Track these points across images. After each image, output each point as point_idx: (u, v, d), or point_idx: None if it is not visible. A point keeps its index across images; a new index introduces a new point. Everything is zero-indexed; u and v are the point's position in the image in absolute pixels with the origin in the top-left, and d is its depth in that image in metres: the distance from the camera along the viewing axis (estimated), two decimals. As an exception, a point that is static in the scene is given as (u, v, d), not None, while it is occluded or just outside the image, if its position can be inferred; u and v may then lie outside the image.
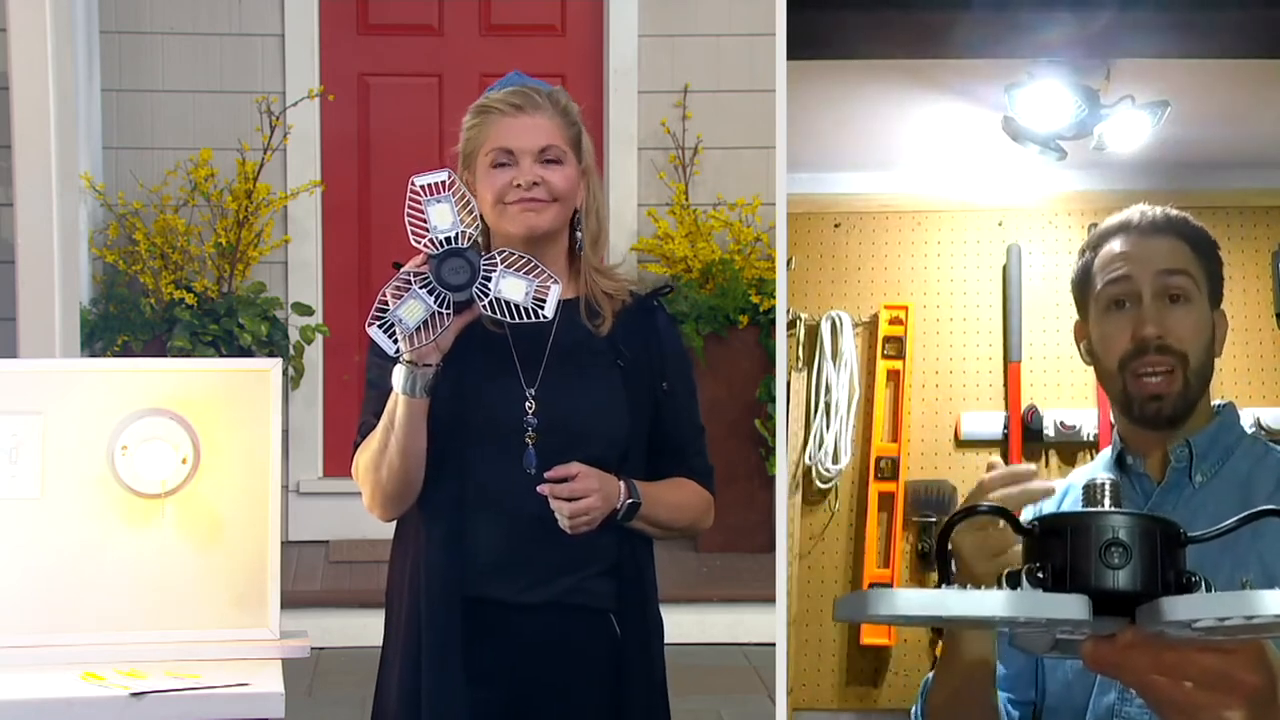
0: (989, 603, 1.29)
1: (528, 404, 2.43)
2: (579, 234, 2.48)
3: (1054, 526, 1.35)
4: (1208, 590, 1.30)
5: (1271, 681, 1.30)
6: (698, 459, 2.56)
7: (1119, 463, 2.07)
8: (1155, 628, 1.28)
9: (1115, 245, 2.07)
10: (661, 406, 2.50)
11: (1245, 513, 1.38)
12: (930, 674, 1.97)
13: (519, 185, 2.41)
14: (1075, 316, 2.15)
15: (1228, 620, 1.23)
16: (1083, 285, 2.11)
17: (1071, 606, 1.29)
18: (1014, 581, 1.34)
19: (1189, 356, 2.00)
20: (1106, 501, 1.38)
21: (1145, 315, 2.01)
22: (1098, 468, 2.14)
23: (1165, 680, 1.30)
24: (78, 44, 5.41)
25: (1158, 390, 1.99)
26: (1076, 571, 1.32)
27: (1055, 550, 1.34)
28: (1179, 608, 1.25)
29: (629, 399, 2.47)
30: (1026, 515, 2.12)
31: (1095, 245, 2.10)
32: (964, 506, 1.46)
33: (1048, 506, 2.10)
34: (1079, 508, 1.39)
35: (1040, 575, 1.33)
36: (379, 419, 2.43)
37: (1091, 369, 2.14)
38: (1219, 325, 2.08)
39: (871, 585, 3.84)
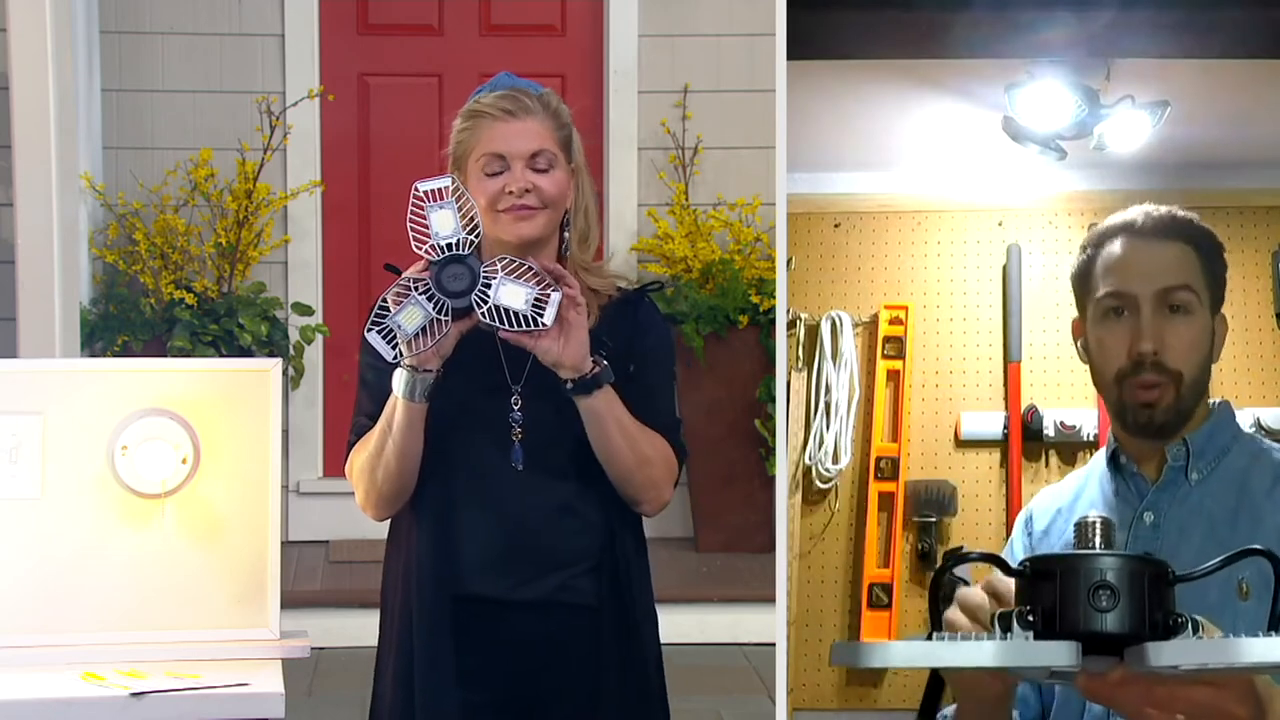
0: (980, 653, 1.33)
1: (514, 400, 2.43)
2: (567, 234, 2.49)
3: (1044, 569, 1.38)
4: (1194, 630, 1.33)
5: (1260, 714, 1.34)
6: (671, 434, 2.48)
7: (1113, 461, 2.06)
8: (1143, 670, 1.31)
9: (1117, 248, 2.04)
10: (624, 391, 2.41)
11: (1229, 553, 1.40)
12: (950, 708, 1.91)
13: (511, 192, 2.40)
14: (1075, 314, 2.13)
15: (1210, 665, 1.27)
16: (1083, 283, 2.09)
17: (1060, 653, 1.32)
18: (1005, 624, 1.37)
19: (1184, 373, 1.98)
20: (1097, 541, 1.40)
21: (1143, 330, 1.99)
22: (1093, 472, 2.12)
23: (1157, 714, 1.33)
24: (78, 44, 5.40)
25: (1150, 400, 1.98)
26: (1066, 614, 1.34)
27: (1045, 593, 1.36)
28: (1164, 654, 1.29)
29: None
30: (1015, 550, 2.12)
31: (1098, 244, 2.06)
32: (955, 555, 1.47)
33: (1039, 521, 2.12)
34: (1070, 544, 1.41)
35: (1030, 618, 1.36)
36: (373, 420, 2.43)
37: (1088, 368, 2.12)
38: (1218, 330, 2.05)
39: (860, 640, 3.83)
